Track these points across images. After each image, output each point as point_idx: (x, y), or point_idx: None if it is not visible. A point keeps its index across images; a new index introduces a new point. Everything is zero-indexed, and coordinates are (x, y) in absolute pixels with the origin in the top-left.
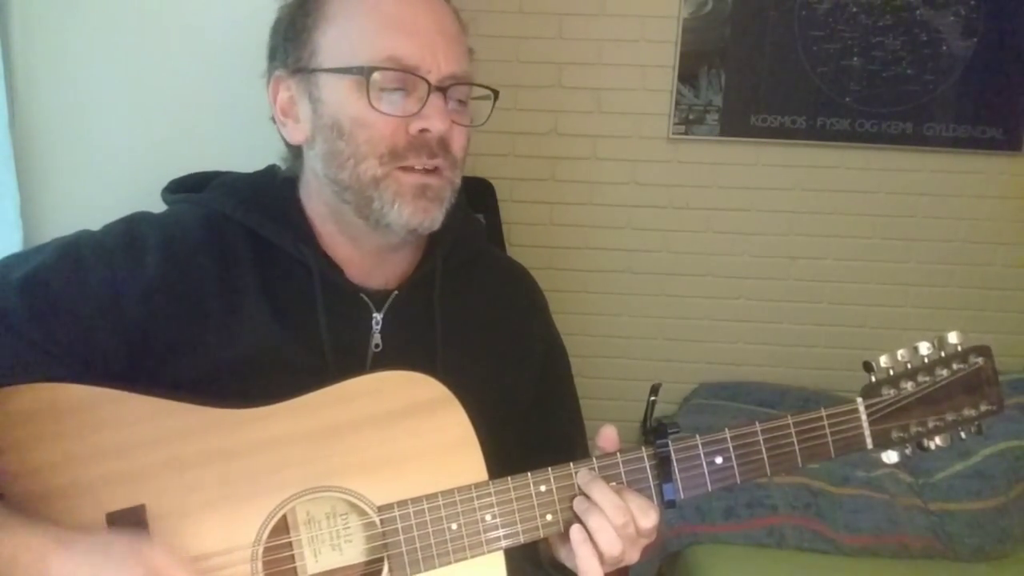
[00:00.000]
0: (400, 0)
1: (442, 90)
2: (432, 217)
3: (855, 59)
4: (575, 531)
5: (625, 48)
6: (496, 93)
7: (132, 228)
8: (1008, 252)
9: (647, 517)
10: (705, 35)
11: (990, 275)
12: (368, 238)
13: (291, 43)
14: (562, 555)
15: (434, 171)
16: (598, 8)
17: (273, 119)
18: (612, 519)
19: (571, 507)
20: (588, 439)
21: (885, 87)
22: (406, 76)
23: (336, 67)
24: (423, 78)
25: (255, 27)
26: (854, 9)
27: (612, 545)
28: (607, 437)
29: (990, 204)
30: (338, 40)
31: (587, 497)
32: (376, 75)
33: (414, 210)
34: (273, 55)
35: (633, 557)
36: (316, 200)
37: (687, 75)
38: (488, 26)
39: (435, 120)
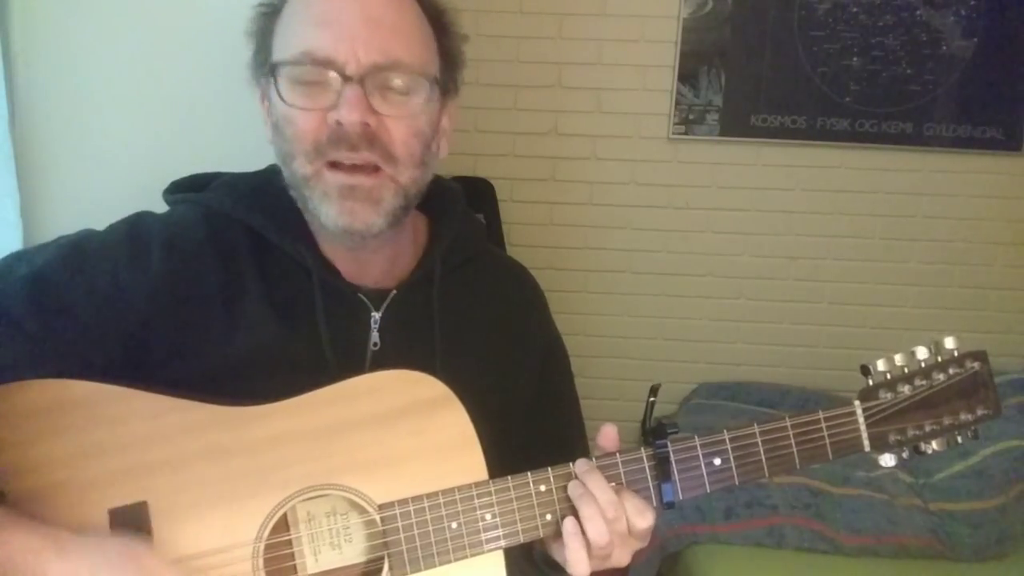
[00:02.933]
0: None
1: (361, 81)
2: (364, 220)
3: (855, 59)
4: (568, 522)
5: (625, 48)
6: (431, 80)
7: (135, 228)
8: (1008, 252)
9: (643, 518)
10: (705, 35)
11: (990, 275)
12: (333, 238)
13: (257, 48)
14: (554, 550)
15: (367, 170)
16: (598, 8)
17: None
18: (604, 509)
19: (567, 496)
20: (588, 439)
21: (885, 87)
22: (317, 69)
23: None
24: (337, 71)
25: None
26: (854, 9)
27: (600, 535)
28: (607, 436)
29: (990, 204)
30: (280, 42)
31: (582, 483)
32: (285, 70)
33: (340, 211)
34: (252, 61)
35: (623, 559)
36: None
37: (687, 75)
38: (488, 26)
39: (344, 111)
